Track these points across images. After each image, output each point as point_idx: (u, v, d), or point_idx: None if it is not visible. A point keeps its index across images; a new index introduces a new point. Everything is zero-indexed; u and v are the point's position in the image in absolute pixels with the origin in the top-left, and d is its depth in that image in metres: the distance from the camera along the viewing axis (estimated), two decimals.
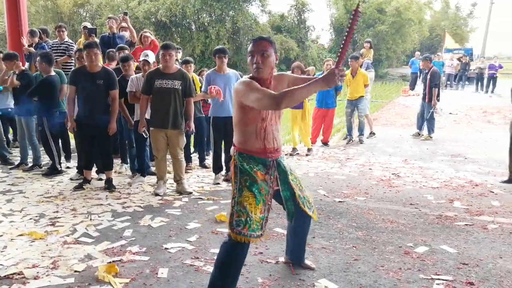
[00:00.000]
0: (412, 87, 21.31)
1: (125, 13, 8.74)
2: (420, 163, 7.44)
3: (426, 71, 9.92)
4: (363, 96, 9.23)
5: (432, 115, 9.59)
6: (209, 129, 6.39)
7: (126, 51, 6.94)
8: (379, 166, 7.23)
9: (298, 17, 29.42)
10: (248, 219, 2.89)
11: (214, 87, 5.86)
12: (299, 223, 3.35)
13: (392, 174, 6.71)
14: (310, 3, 28.79)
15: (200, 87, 6.71)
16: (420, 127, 9.95)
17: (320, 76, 2.65)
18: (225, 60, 6.01)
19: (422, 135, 9.82)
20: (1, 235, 4.21)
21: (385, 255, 3.85)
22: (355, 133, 9.56)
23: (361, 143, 9.10)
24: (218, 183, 6.05)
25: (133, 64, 6.52)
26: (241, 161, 2.97)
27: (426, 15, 35.44)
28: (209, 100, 6.28)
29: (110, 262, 3.62)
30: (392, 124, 11.83)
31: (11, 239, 4.12)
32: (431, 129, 9.64)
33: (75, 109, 5.75)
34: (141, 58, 6.02)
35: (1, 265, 3.57)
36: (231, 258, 2.98)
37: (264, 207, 2.97)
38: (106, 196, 5.51)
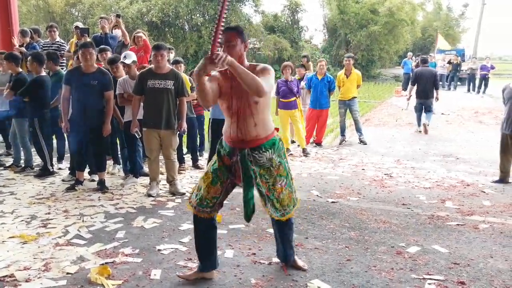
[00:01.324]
0: (405, 87, 21.36)
1: (118, 15, 8.70)
2: (412, 163, 7.48)
3: None
4: (355, 97, 9.25)
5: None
6: (202, 130, 6.36)
7: (109, 53, 6.84)
8: (372, 166, 7.26)
9: (292, 18, 29.44)
10: (199, 193, 3.23)
11: None
12: (275, 225, 3.48)
13: (385, 174, 6.74)
14: (304, 4, 28.84)
15: (191, 87, 6.70)
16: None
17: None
18: None
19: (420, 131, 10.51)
20: None
21: (377, 255, 3.87)
22: (348, 133, 9.59)
23: (364, 144, 9.07)
24: None
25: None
26: (219, 144, 3.28)
27: (419, 16, 35.56)
28: None
29: (102, 264, 3.62)
30: (385, 125, 11.88)
31: (2, 241, 4.10)
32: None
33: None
34: (120, 60, 6.03)
35: None
36: (194, 228, 3.38)
37: (220, 189, 3.21)
38: (99, 197, 5.50)
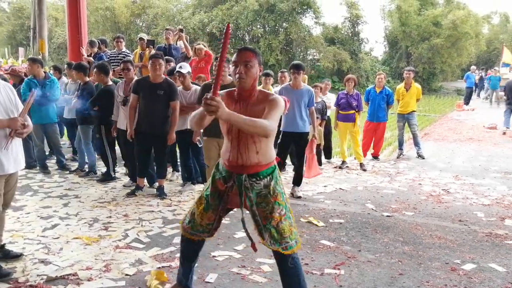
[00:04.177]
0: (467, 101, 20.77)
1: (181, 30, 9.01)
2: (471, 179, 7.29)
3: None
4: (414, 111, 9.12)
5: None
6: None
7: (172, 63, 7.04)
8: (429, 181, 7.14)
9: (352, 29, 29.26)
10: (193, 220, 3.11)
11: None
12: (279, 267, 3.02)
13: (442, 189, 6.62)
14: (364, 16, 28.60)
15: None
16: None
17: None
18: (299, 77, 5.98)
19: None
20: (58, 238, 4.44)
21: (431, 270, 3.84)
22: (406, 147, 9.46)
23: (422, 158, 8.92)
24: None
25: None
26: (215, 167, 3.10)
27: (484, 29, 34.45)
28: None
29: (159, 268, 3.77)
30: (444, 139, 11.59)
31: (67, 242, 4.34)
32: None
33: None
34: (176, 70, 6.24)
35: (58, 266, 3.78)
36: (180, 246, 3.30)
37: (213, 216, 3.05)
38: (157, 203, 5.68)
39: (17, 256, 3.87)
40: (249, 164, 2.87)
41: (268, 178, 2.90)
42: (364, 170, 7.85)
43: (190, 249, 3.24)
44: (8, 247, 3.98)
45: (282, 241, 2.87)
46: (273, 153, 2.96)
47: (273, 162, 2.96)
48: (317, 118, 7.43)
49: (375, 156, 8.91)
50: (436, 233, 4.78)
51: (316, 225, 4.97)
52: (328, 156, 8.53)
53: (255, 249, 3.02)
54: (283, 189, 2.97)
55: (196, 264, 3.81)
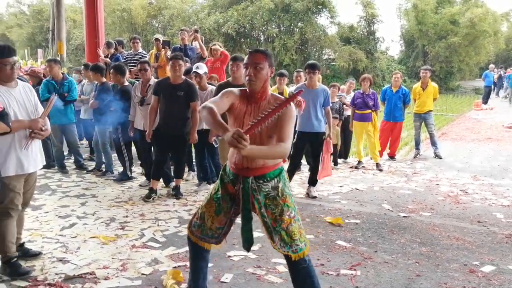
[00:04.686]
0: (485, 100, 20.50)
1: (196, 31, 9.03)
2: (490, 179, 7.20)
3: None
4: (431, 110, 9.03)
5: None
6: None
7: (188, 64, 7.10)
8: (447, 181, 7.07)
9: (368, 29, 29.08)
10: (202, 225, 3.05)
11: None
12: (290, 271, 2.97)
13: (460, 190, 6.55)
14: (380, 15, 28.40)
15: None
16: None
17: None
18: (314, 76, 5.97)
19: None
20: (75, 236, 4.49)
21: (449, 272, 3.80)
22: (423, 147, 9.37)
23: (439, 158, 8.82)
24: None
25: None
26: (222, 170, 3.06)
27: (503, 27, 33.99)
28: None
29: (175, 267, 3.79)
30: (462, 139, 11.46)
31: (84, 241, 4.39)
32: None
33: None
34: (192, 70, 6.26)
35: (75, 264, 3.83)
36: (189, 252, 3.22)
37: (225, 220, 3.03)
38: (173, 202, 5.72)
39: (36, 255, 3.93)
40: (255, 166, 2.84)
41: (276, 179, 2.87)
42: (381, 170, 7.80)
43: (197, 255, 3.18)
44: (27, 245, 4.04)
45: (292, 244, 2.84)
46: None
47: (280, 164, 2.93)
48: (336, 118, 7.43)
49: (392, 156, 8.85)
50: (454, 234, 4.73)
51: (339, 224, 4.97)
52: (344, 156, 8.52)
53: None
54: (291, 191, 2.95)
55: (212, 264, 3.83)
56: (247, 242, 2.95)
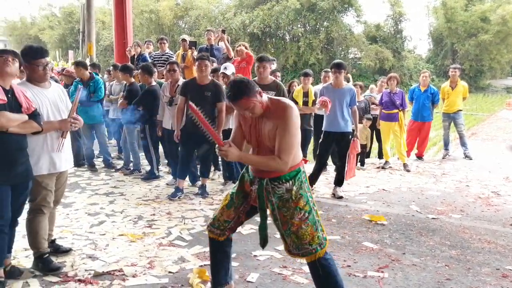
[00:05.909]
0: None
1: (223, 31, 9.07)
2: None
3: None
4: (461, 110, 8.85)
5: None
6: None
7: (214, 64, 7.13)
8: (477, 183, 6.93)
9: (395, 27, 28.80)
10: (214, 215, 3.18)
11: (322, 98, 5.93)
12: (311, 272, 3.02)
13: (492, 192, 6.41)
14: (407, 13, 28.09)
15: (313, 101, 6.91)
16: None
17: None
18: (340, 76, 5.91)
19: None
20: (104, 234, 4.55)
21: (480, 276, 3.72)
22: (452, 147, 9.21)
23: (469, 159, 8.65)
24: None
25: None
26: (245, 168, 3.14)
27: None
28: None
29: (201, 266, 3.81)
30: (493, 139, 11.23)
31: (113, 238, 4.45)
32: None
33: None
34: (220, 71, 6.29)
35: (104, 261, 3.89)
36: (209, 246, 3.27)
37: (233, 215, 3.10)
38: (200, 201, 5.75)
39: (66, 251, 4.01)
40: (267, 172, 2.90)
41: (291, 182, 2.88)
42: (408, 170, 7.70)
43: (212, 251, 3.24)
44: (58, 242, 4.12)
45: (301, 247, 2.87)
46: (297, 156, 2.91)
47: (297, 165, 2.92)
48: (369, 119, 7.36)
49: (419, 157, 8.72)
50: (486, 237, 4.64)
51: (382, 224, 4.97)
52: (379, 156, 8.48)
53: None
54: (309, 192, 2.95)
55: (237, 263, 3.84)
56: (263, 239, 3.04)
